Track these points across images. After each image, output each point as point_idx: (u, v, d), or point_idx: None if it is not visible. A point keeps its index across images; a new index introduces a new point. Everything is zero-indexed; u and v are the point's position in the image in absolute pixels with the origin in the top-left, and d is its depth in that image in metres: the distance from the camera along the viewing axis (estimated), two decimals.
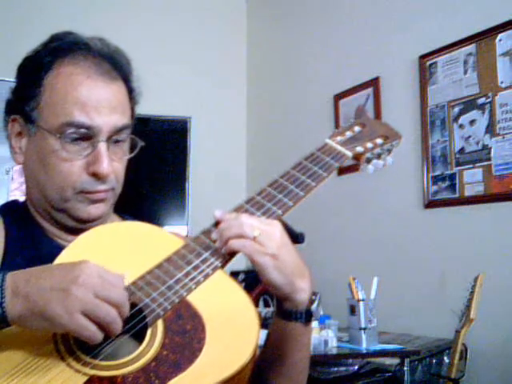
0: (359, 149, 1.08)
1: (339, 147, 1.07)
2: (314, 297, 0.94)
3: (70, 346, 0.79)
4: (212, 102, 4.02)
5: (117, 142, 0.99)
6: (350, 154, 1.06)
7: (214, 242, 0.90)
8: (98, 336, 0.75)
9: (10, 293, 0.76)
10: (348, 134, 1.11)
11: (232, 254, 0.90)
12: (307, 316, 0.93)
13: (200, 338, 0.80)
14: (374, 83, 3.20)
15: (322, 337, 2.26)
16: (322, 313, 2.51)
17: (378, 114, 3.16)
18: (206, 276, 0.87)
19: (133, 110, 1.05)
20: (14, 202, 1.09)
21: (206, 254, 0.89)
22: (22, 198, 1.10)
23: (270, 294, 0.95)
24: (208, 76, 4.04)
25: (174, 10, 4.00)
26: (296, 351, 0.95)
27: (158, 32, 3.88)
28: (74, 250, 0.89)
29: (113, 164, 0.98)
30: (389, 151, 1.12)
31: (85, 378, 0.76)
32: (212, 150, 3.95)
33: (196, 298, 0.85)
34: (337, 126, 3.43)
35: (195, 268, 0.87)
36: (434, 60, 2.87)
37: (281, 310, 0.94)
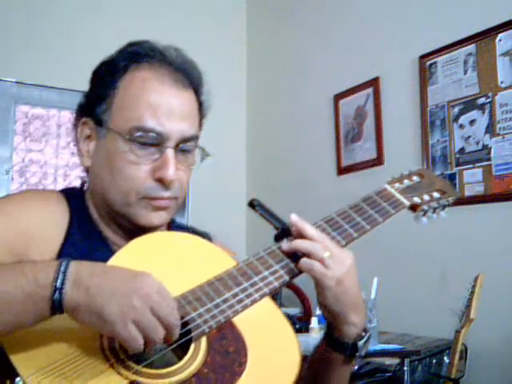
0: (416, 199, 1.10)
1: (398, 194, 1.08)
2: (363, 333, 0.95)
3: (114, 346, 0.79)
4: (212, 103, 4.01)
5: (183, 151, 0.99)
6: (407, 203, 1.08)
7: (266, 268, 0.91)
8: (141, 349, 0.76)
9: (71, 281, 0.76)
10: (406, 182, 1.12)
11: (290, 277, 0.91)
12: (352, 350, 0.94)
13: (241, 362, 0.81)
14: (374, 83, 3.20)
15: None
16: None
17: (378, 114, 3.16)
18: (254, 301, 0.88)
19: (201, 122, 1.06)
20: (78, 190, 1.05)
21: (256, 279, 0.90)
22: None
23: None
24: (208, 76, 4.03)
25: (173, 10, 3.99)
26: (333, 382, 0.97)
27: (157, 32, 3.85)
28: (125, 255, 0.89)
29: (178, 172, 0.97)
30: (443, 207, 1.15)
31: (127, 383, 0.76)
32: (212, 150, 3.95)
33: (241, 321, 0.86)
34: (337, 125, 3.42)
35: (243, 290, 0.88)
36: (434, 60, 2.87)
37: (328, 336, 0.96)
